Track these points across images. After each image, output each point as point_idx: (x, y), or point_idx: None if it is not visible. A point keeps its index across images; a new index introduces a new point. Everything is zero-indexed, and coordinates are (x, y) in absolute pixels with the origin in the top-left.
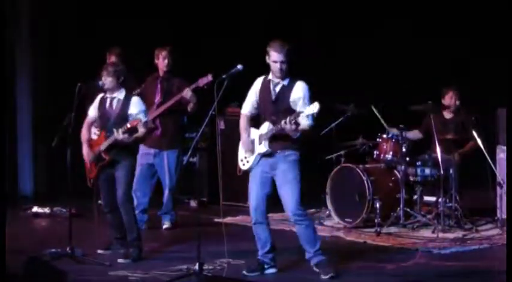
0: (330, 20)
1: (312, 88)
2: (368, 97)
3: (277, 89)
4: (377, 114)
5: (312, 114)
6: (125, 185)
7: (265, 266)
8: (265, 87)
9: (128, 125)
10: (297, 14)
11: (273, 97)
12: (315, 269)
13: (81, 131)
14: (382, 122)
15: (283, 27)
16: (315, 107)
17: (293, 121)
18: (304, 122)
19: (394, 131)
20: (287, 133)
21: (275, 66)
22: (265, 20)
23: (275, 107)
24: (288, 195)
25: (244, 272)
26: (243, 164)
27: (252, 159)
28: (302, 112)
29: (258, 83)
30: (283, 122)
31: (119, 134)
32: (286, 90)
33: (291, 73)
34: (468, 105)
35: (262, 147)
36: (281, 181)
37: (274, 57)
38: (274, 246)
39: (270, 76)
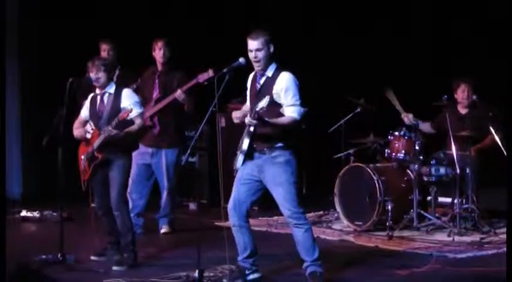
0: (343, 15)
1: (320, 81)
2: (380, 91)
3: (262, 81)
4: (393, 98)
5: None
6: (119, 185)
7: (247, 272)
8: (253, 81)
9: (118, 118)
10: (308, 9)
11: (257, 90)
12: (308, 279)
13: (72, 129)
14: (398, 106)
15: (286, 22)
16: (264, 102)
17: (256, 115)
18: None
19: (411, 116)
20: (271, 130)
21: (250, 55)
22: (276, 11)
23: (258, 100)
24: (282, 197)
25: (225, 281)
26: (234, 163)
27: (238, 158)
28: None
29: (250, 76)
30: (247, 117)
31: (110, 130)
32: (270, 81)
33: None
34: (486, 100)
35: (244, 145)
36: (272, 184)
37: (249, 45)
38: (255, 250)
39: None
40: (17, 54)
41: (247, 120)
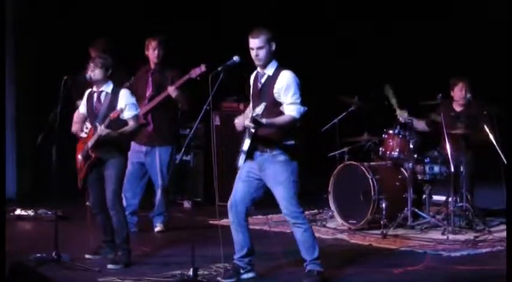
0: (338, 12)
1: (315, 79)
2: (374, 90)
3: (263, 80)
4: (390, 94)
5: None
6: (114, 184)
7: (241, 271)
8: (255, 80)
9: (110, 118)
10: (303, 5)
11: (258, 89)
12: (304, 277)
13: (67, 127)
14: (394, 102)
15: (287, 18)
16: (260, 109)
17: (252, 120)
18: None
19: (405, 114)
20: (272, 130)
21: (252, 54)
22: (271, 10)
23: (260, 100)
24: (281, 196)
25: (219, 279)
26: (236, 161)
27: (240, 157)
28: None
29: (252, 76)
30: (246, 120)
31: (103, 129)
32: (271, 80)
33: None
34: (481, 98)
35: (245, 146)
36: (272, 183)
37: (250, 43)
38: (252, 249)
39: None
40: (13, 54)
41: (246, 123)
